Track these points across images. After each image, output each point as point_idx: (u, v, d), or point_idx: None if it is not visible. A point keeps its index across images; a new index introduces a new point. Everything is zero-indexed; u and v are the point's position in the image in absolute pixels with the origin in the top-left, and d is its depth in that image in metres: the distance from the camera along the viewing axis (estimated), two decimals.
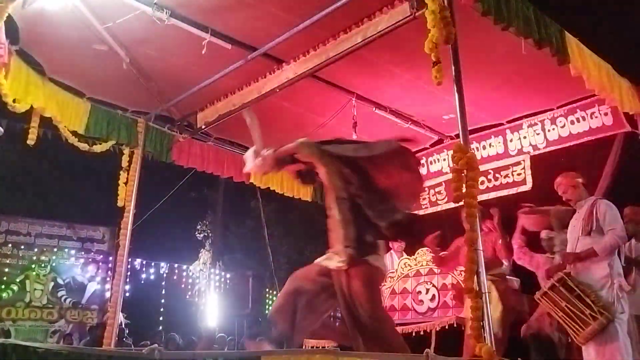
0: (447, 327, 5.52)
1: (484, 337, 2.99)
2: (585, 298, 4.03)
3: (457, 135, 3.56)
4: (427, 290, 6.11)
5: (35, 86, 5.46)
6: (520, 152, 6.43)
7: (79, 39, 5.16)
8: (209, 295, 14.23)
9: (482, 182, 6.61)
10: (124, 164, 6.57)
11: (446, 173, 7.02)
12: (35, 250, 11.52)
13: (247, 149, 7.26)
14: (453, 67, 3.57)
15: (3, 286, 10.93)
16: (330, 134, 6.76)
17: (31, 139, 5.66)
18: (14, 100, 5.19)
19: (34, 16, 4.74)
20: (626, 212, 4.83)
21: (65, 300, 11.52)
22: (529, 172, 6.37)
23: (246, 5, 4.64)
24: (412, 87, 5.76)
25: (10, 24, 4.65)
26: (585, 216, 4.33)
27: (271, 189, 7.73)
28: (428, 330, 5.68)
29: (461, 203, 3.29)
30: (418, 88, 5.75)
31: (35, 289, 11.28)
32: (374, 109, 6.25)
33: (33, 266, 11.38)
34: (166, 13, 4.71)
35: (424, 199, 7.46)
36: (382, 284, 5.39)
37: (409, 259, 6.51)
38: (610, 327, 3.99)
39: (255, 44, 5.24)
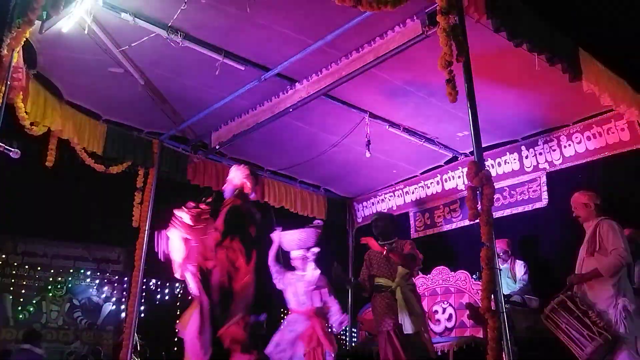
0: (464, 347, 5.43)
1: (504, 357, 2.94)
2: (585, 319, 3.98)
3: (472, 153, 3.54)
4: (444, 309, 6.03)
5: (53, 109, 5.56)
6: (536, 168, 6.36)
7: (94, 62, 5.24)
8: None
9: (498, 199, 6.55)
10: (139, 184, 6.63)
11: (461, 190, 6.97)
12: (52, 271, 11.58)
13: (260, 168, 7.41)
14: (466, 84, 3.56)
15: (20, 307, 10.97)
16: (344, 153, 6.81)
17: (49, 161, 5.77)
18: (32, 123, 5.29)
19: (51, 41, 4.83)
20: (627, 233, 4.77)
21: (81, 321, 11.52)
22: (545, 188, 6.30)
23: (259, 26, 4.69)
24: (426, 104, 5.76)
25: (28, 48, 4.75)
26: (590, 237, 4.31)
27: (285, 207, 7.74)
28: (446, 351, 5.59)
29: (477, 220, 3.26)
30: (431, 105, 5.74)
31: (51, 310, 11.30)
32: (387, 127, 6.25)
33: (49, 287, 11.42)
34: (180, 35, 4.78)
35: (439, 216, 7.41)
36: None
37: (425, 278, 6.44)
38: (616, 348, 3.92)
39: (268, 65, 5.29)
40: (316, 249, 5.85)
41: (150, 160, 6.61)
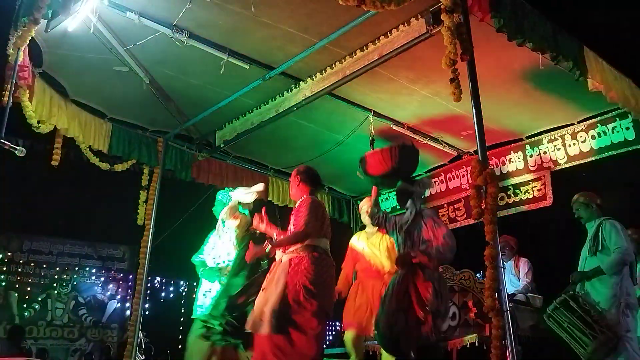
0: (468, 345, 5.43)
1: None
2: (587, 318, 3.99)
3: (476, 151, 3.54)
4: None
5: (59, 108, 5.58)
6: (540, 167, 6.34)
7: (100, 61, 5.27)
8: None
9: (502, 198, 6.54)
10: (144, 182, 6.65)
11: (465, 189, 6.96)
12: (57, 269, 11.64)
13: (264, 167, 7.43)
14: (470, 83, 3.56)
15: (25, 305, 11.03)
16: (348, 152, 6.81)
17: (55, 160, 5.78)
18: (38, 122, 5.31)
19: (57, 39, 4.85)
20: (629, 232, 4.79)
21: (86, 318, 11.58)
22: (549, 187, 6.28)
23: (263, 25, 4.69)
24: (430, 103, 5.75)
25: (33, 47, 4.77)
26: (593, 236, 4.32)
27: (289, 206, 7.75)
28: (449, 349, 5.59)
29: (481, 219, 3.26)
30: (436, 104, 5.74)
31: (56, 308, 11.36)
32: (391, 125, 6.25)
33: (55, 285, 11.48)
34: (185, 34, 4.80)
35: (444, 215, 7.39)
36: None
37: None
38: (619, 346, 3.94)
39: (272, 63, 5.30)
40: None
41: (155, 158, 6.63)
